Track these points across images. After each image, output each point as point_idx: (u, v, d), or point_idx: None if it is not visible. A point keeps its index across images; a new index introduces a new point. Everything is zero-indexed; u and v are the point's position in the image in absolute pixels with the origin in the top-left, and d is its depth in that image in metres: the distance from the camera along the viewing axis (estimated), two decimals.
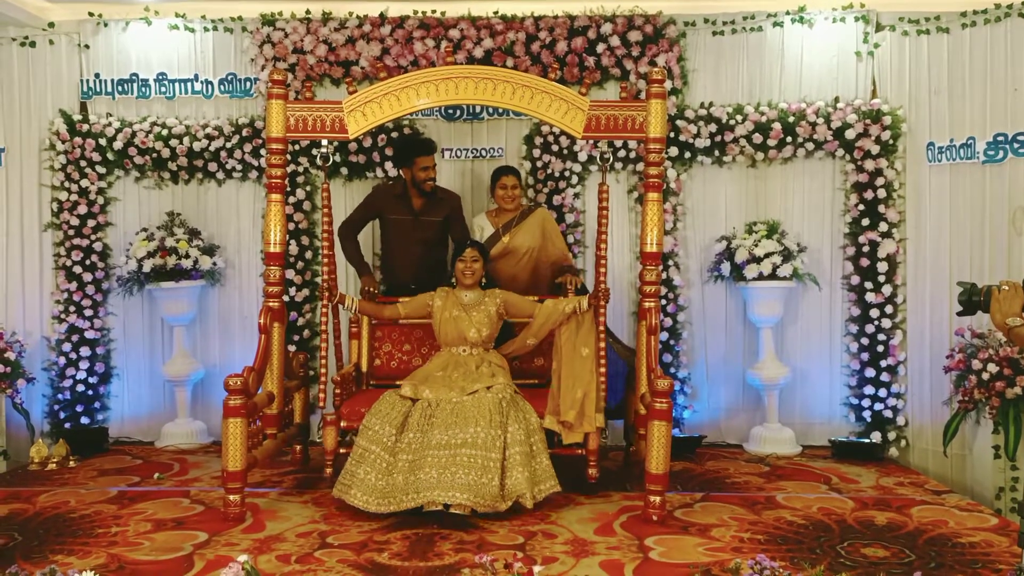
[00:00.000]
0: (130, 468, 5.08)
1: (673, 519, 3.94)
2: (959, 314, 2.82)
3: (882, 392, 5.42)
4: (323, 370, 4.55)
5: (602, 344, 4.41)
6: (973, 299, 2.65)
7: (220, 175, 5.77)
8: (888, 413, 5.41)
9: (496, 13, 5.65)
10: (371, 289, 4.93)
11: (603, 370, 4.36)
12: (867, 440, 5.35)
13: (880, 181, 5.42)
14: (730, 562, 3.11)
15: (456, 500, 3.74)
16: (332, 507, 4.08)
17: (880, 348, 5.43)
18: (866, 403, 5.45)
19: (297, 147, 5.61)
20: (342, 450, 4.31)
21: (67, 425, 5.60)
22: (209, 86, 5.79)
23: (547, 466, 4.06)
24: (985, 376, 4.58)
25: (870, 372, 5.43)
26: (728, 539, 3.67)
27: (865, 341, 5.46)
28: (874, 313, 5.43)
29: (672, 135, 5.50)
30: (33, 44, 5.70)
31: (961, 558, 3.43)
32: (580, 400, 4.24)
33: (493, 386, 4.19)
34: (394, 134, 5.63)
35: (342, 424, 4.36)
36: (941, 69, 5.37)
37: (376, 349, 4.91)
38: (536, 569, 2.48)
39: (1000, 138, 5.11)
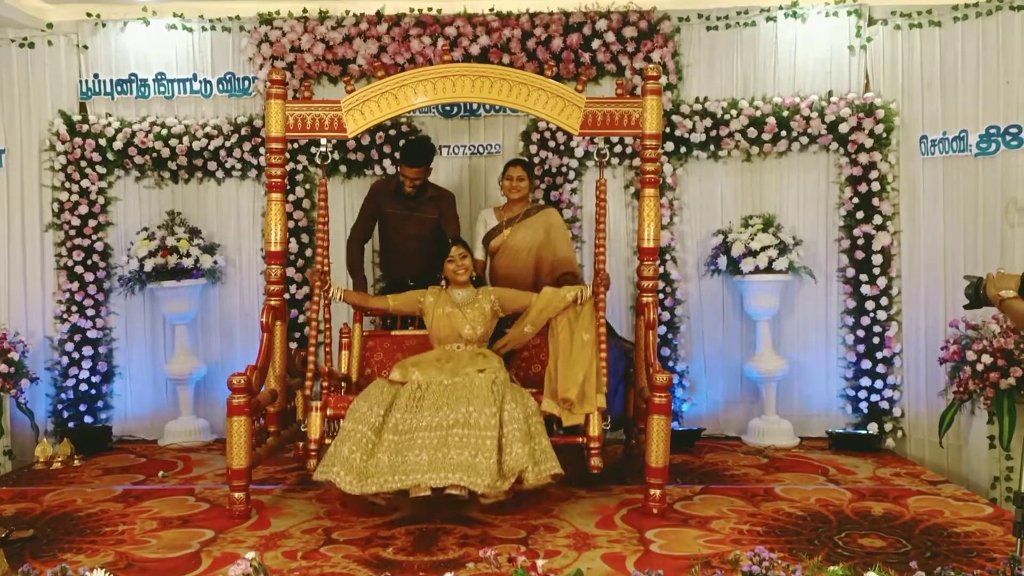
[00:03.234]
0: (134, 466, 5.13)
1: (673, 512, 4.00)
2: (965, 307, 2.87)
3: (878, 383, 5.47)
4: (311, 357, 4.41)
5: (602, 331, 4.28)
6: (979, 292, 2.70)
7: (220, 174, 5.80)
8: (884, 404, 5.47)
9: (492, 10, 5.67)
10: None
11: (604, 355, 4.20)
12: (864, 431, 5.41)
13: (874, 174, 5.46)
14: (729, 554, 3.16)
15: (449, 481, 3.56)
16: (336, 503, 4.13)
17: (876, 340, 5.48)
18: (863, 394, 5.51)
19: (296, 145, 5.63)
20: (328, 440, 4.02)
21: (71, 424, 5.64)
22: (208, 85, 5.82)
23: (547, 446, 3.82)
24: (979, 367, 4.63)
25: (866, 364, 5.49)
26: (727, 531, 3.72)
27: (861, 333, 5.51)
28: (869, 305, 5.48)
29: (668, 130, 5.53)
30: (32, 45, 5.72)
31: (956, 547, 3.49)
32: (580, 381, 4.02)
33: (486, 369, 4.02)
34: (392, 131, 5.66)
35: (328, 412, 4.10)
36: (933, 62, 5.41)
37: (367, 359, 4.74)
38: (539, 563, 2.52)
39: (992, 131, 5.15)
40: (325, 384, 4.31)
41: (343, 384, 4.45)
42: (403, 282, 5.06)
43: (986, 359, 4.61)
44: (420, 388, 3.95)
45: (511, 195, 5.05)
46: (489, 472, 3.59)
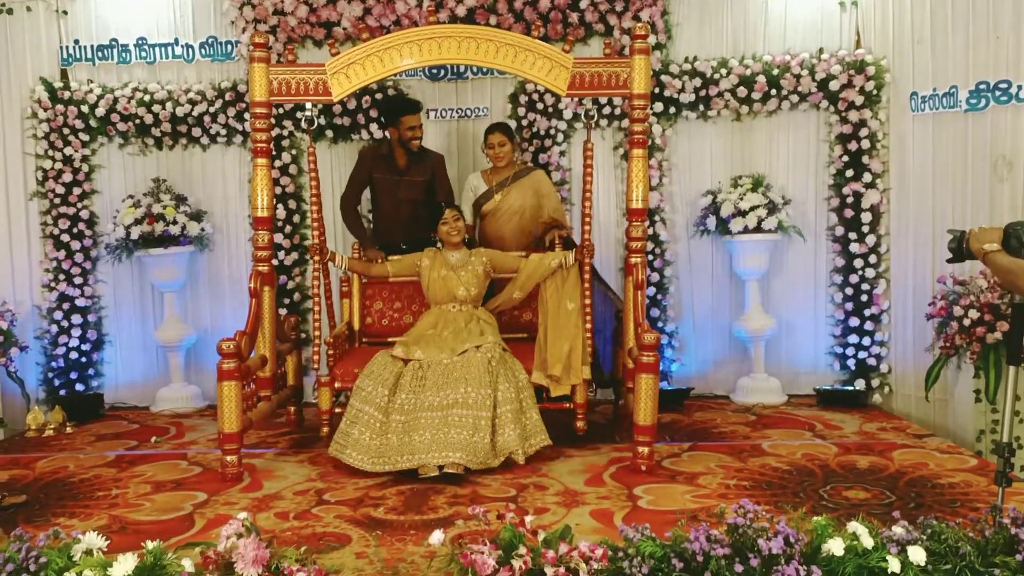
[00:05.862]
0: (127, 433, 5.14)
1: (661, 468, 4.04)
2: (948, 261, 2.89)
3: (866, 340, 5.51)
4: (316, 332, 4.66)
5: (588, 301, 4.51)
6: (962, 246, 2.73)
7: (204, 140, 5.75)
8: (872, 361, 5.51)
9: None
10: (378, 261, 4.91)
11: (588, 325, 4.48)
12: (851, 388, 5.45)
13: (864, 132, 5.44)
14: (715, 508, 3.20)
15: (449, 459, 3.86)
16: (328, 466, 4.17)
17: (864, 297, 5.51)
18: (850, 352, 5.55)
19: (281, 110, 5.58)
20: (337, 410, 4.42)
21: (62, 392, 5.65)
22: (190, 50, 5.74)
23: (536, 420, 4.19)
24: (966, 322, 4.65)
25: (854, 321, 5.52)
26: (715, 486, 3.77)
27: (849, 291, 5.53)
28: (858, 263, 5.49)
29: (656, 90, 5.49)
30: (10, 11, 5.63)
31: (940, 498, 3.54)
32: (566, 354, 4.38)
33: (482, 345, 4.28)
34: (378, 95, 5.61)
35: (336, 385, 4.44)
36: (924, 19, 5.35)
37: (367, 307, 5.00)
38: (528, 519, 2.54)
39: (982, 87, 5.12)
40: (331, 353, 4.53)
41: (346, 336, 4.76)
42: (396, 245, 5.05)
43: (973, 314, 4.63)
44: (422, 368, 4.19)
45: (496, 163, 5.04)
46: (484, 451, 3.94)
